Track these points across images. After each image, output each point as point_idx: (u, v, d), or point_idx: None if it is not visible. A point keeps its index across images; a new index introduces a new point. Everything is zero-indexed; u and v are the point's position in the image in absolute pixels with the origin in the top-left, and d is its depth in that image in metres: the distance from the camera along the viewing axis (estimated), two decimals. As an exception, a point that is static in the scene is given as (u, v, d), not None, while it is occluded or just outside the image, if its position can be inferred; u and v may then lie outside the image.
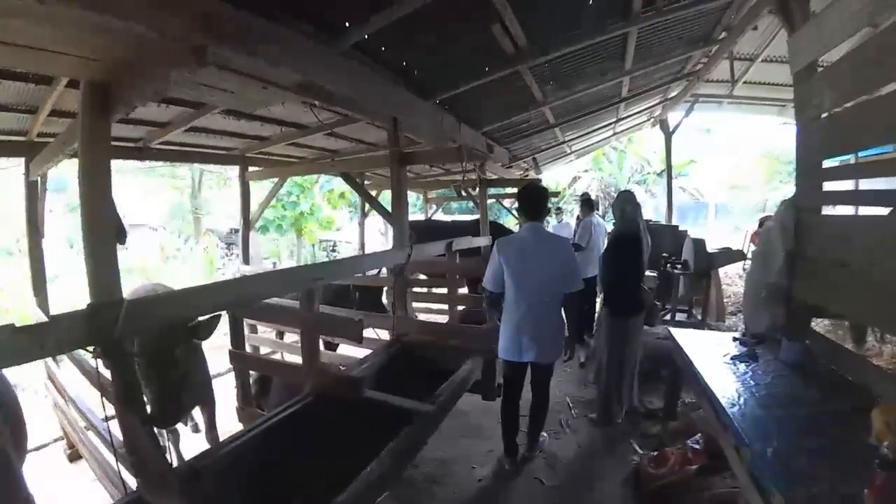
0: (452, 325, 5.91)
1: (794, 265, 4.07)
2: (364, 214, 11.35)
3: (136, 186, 20.55)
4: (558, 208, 13.70)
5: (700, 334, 4.97)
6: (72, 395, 4.41)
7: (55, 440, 5.62)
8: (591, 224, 8.36)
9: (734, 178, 26.22)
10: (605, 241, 7.27)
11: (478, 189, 8.31)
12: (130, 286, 4.53)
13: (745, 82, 9.51)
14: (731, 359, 4.00)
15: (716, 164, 27.25)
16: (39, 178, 4.79)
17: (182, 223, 21.67)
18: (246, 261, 7.93)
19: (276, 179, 7.91)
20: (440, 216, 14.42)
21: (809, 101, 3.87)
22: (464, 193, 10.80)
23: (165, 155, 6.33)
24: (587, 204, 8.78)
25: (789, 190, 18.22)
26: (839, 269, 3.46)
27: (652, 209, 26.86)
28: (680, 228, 10.27)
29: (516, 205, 5.09)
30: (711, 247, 7.95)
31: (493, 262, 4.34)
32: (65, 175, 7.71)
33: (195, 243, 18.41)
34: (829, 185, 4.04)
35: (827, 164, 4.03)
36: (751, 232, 13.51)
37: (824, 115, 3.73)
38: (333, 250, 21.19)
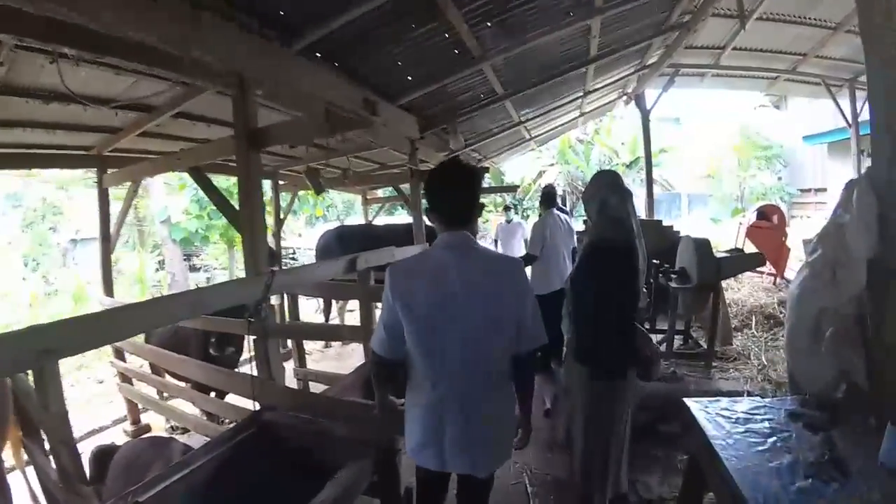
0: (336, 400, 3.81)
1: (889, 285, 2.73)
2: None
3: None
4: (507, 206, 11.81)
5: (731, 407, 3.00)
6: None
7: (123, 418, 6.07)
8: (546, 224, 6.58)
9: (707, 168, 24.61)
10: (574, 246, 6.47)
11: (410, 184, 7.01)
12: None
13: (734, 48, 8.32)
14: (807, 477, 2.13)
15: (687, 153, 25.78)
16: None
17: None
18: (108, 291, 6.07)
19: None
20: (383, 221, 12.60)
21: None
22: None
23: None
24: (545, 198, 6.92)
25: (766, 178, 16.86)
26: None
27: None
28: (664, 223, 8.49)
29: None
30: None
31: (385, 305, 2.39)
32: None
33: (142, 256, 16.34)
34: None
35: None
36: (746, 225, 11.40)
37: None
38: (293, 258, 19.17)
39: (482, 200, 2.44)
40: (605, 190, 3.20)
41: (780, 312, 7.48)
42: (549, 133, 12.41)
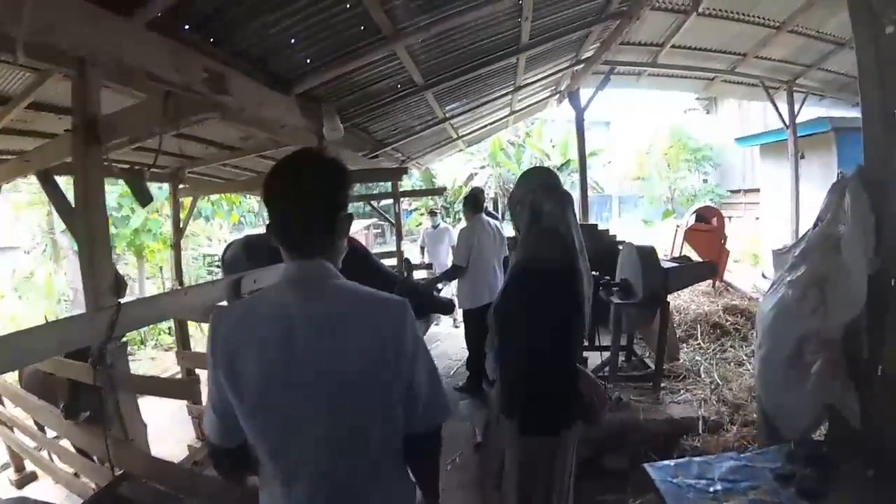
0: (198, 476, 2.98)
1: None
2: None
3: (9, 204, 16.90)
4: (432, 211, 11.03)
5: (705, 473, 2.31)
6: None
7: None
8: (473, 231, 6.01)
9: (637, 170, 24.60)
10: (506, 255, 5.98)
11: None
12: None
13: (673, 46, 7.89)
14: None
15: (617, 156, 25.88)
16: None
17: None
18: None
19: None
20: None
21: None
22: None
23: None
24: (471, 202, 6.31)
25: (696, 180, 16.95)
26: None
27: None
28: (600, 228, 7.92)
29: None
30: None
31: (209, 374, 1.57)
32: None
33: (55, 267, 14.88)
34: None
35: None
36: (684, 227, 10.95)
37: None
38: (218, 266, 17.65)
39: (348, 211, 1.64)
40: (539, 193, 2.47)
41: (726, 321, 7.12)
42: (478, 133, 11.70)
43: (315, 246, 1.56)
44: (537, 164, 25.39)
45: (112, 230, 13.27)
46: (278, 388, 1.45)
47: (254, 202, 18.48)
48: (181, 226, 7.98)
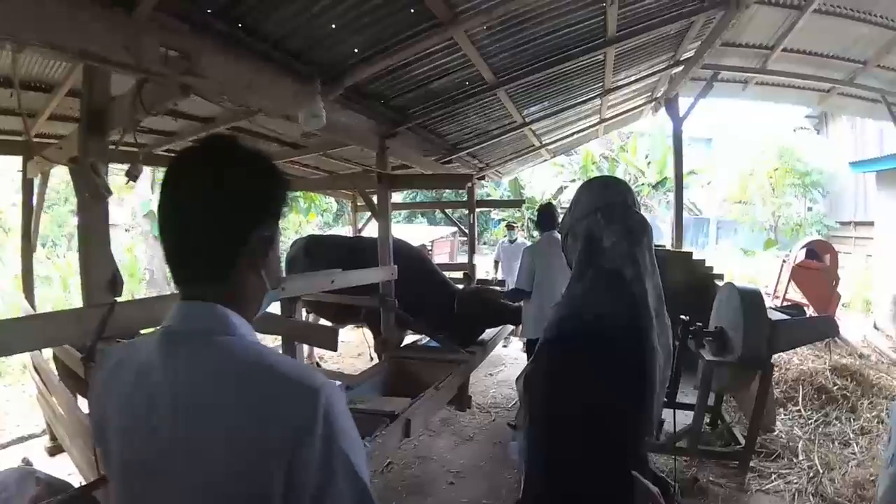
0: None
1: None
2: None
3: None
4: (509, 225, 10.27)
5: None
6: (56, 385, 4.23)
7: (42, 432, 5.51)
8: (540, 250, 5.49)
9: (738, 193, 22.77)
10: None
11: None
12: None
13: (784, 49, 6.87)
14: None
15: (718, 176, 24.04)
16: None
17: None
18: (29, 296, 5.37)
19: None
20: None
21: None
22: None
23: None
24: (542, 217, 5.84)
25: (801, 207, 15.05)
26: None
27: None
28: (695, 257, 6.99)
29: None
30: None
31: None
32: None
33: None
34: None
35: None
36: (791, 263, 9.76)
37: None
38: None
39: (273, 229, 1.10)
40: (598, 218, 1.75)
41: (834, 384, 6.00)
42: (563, 142, 10.82)
43: (205, 281, 1.04)
44: (631, 181, 24.05)
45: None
46: (136, 469, 1.01)
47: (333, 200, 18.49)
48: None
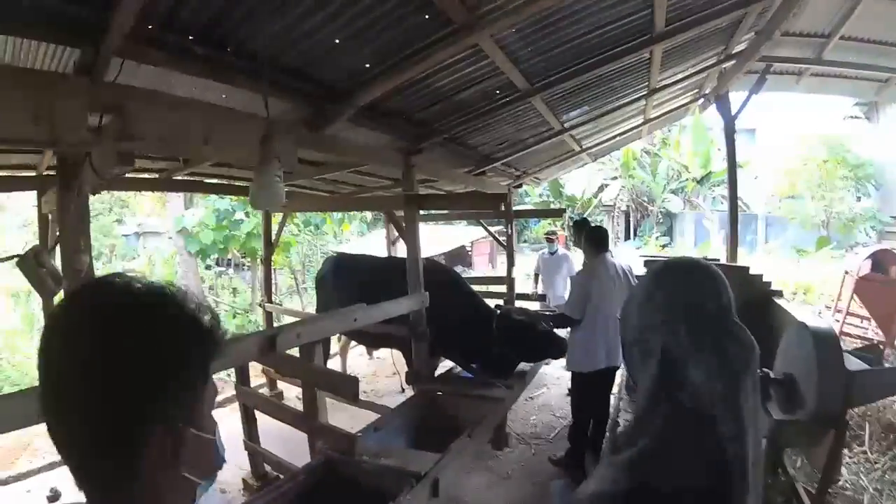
0: None
1: None
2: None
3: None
4: (549, 235, 9.34)
5: None
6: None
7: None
8: (594, 276, 4.94)
9: (787, 187, 21.57)
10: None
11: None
12: None
13: (842, 38, 6.32)
14: None
15: (764, 169, 22.87)
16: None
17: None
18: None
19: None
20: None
21: None
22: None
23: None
24: (592, 239, 5.19)
25: (853, 202, 13.82)
26: None
27: (693, 225, 23.07)
28: (752, 272, 6.32)
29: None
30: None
31: None
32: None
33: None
34: None
35: None
36: (854, 275, 8.88)
37: None
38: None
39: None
40: (679, 330, 1.22)
41: None
42: (605, 145, 10.26)
43: (100, 490, 0.77)
44: (674, 177, 23.27)
45: (226, 233, 13.74)
46: None
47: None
48: (273, 240, 7.50)
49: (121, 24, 2.06)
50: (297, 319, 5.86)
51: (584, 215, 23.59)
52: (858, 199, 19.28)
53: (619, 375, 5.29)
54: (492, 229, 9.29)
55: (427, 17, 2.88)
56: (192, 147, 3.06)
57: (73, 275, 2.37)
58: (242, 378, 4.95)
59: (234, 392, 5.07)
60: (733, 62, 6.59)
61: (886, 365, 3.93)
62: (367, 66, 3.34)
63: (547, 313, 5.98)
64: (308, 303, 13.90)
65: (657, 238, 22.72)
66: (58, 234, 2.51)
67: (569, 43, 4.01)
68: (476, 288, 6.41)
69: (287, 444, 4.65)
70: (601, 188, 24.66)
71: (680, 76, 6.70)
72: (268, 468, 4.85)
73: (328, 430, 3.81)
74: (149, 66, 2.57)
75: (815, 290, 12.16)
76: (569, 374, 5.34)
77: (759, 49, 5.76)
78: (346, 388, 3.54)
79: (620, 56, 4.50)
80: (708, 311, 1.34)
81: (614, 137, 9.76)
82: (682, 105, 9.30)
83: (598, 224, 5.77)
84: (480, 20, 2.98)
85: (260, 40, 2.76)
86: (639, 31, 4.30)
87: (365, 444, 3.71)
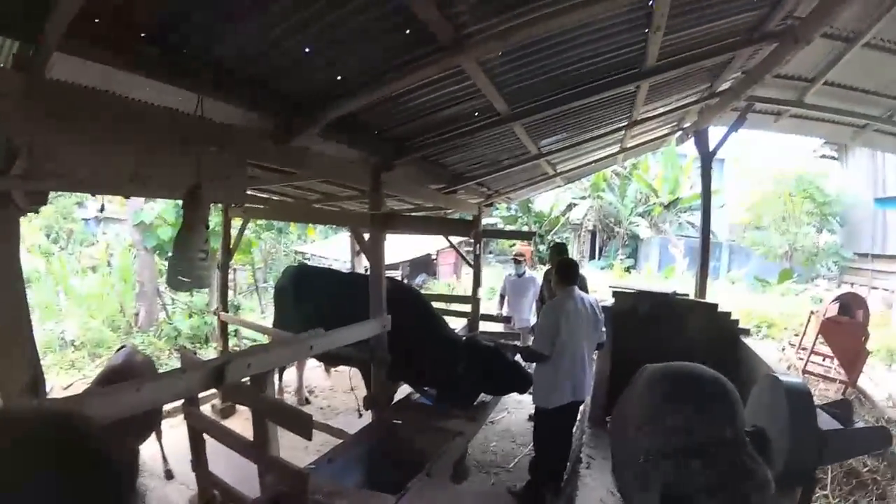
0: None
1: None
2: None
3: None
4: (516, 258, 8.85)
5: None
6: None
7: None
8: (563, 309, 4.72)
9: (752, 217, 21.75)
10: (601, 341, 5.10)
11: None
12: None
13: (825, 83, 6.31)
14: None
15: (730, 198, 23.20)
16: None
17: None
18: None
19: None
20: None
21: None
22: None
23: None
24: (564, 272, 5.03)
25: (816, 236, 13.71)
26: None
27: (658, 249, 23.22)
28: (720, 310, 6.20)
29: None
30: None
31: None
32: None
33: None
34: None
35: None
36: (821, 315, 8.84)
37: None
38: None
39: None
40: (690, 467, 1.07)
41: (864, 465, 5.27)
42: (579, 170, 10.19)
43: None
44: (642, 200, 23.48)
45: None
46: None
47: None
48: (230, 247, 7.18)
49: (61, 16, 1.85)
50: (249, 346, 5.57)
51: (554, 235, 23.68)
52: (820, 232, 19.49)
53: (583, 408, 5.16)
54: (458, 240, 9.10)
55: (408, 32, 2.67)
56: (119, 184, 2.74)
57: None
58: (191, 398, 4.66)
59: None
60: (717, 100, 6.53)
61: (857, 423, 3.82)
62: (339, 78, 3.13)
63: (512, 343, 5.82)
64: (267, 302, 13.63)
65: (622, 260, 22.80)
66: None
67: (555, 71, 3.84)
68: (439, 305, 6.22)
69: (238, 465, 4.40)
70: (569, 207, 24.66)
71: (661, 110, 6.63)
72: (215, 492, 4.57)
73: (278, 465, 3.55)
74: (96, 64, 2.32)
75: (778, 325, 12.24)
76: (530, 399, 5.19)
77: (746, 90, 5.67)
78: (299, 426, 3.31)
79: (608, 87, 4.36)
80: (722, 445, 1.17)
81: (590, 163, 9.67)
82: (661, 137, 9.26)
83: (571, 259, 5.60)
84: (467, 40, 2.78)
85: (221, 46, 2.54)
86: (629, 65, 4.17)
87: (318, 480, 3.50)
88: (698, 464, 1.06)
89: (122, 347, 5.19)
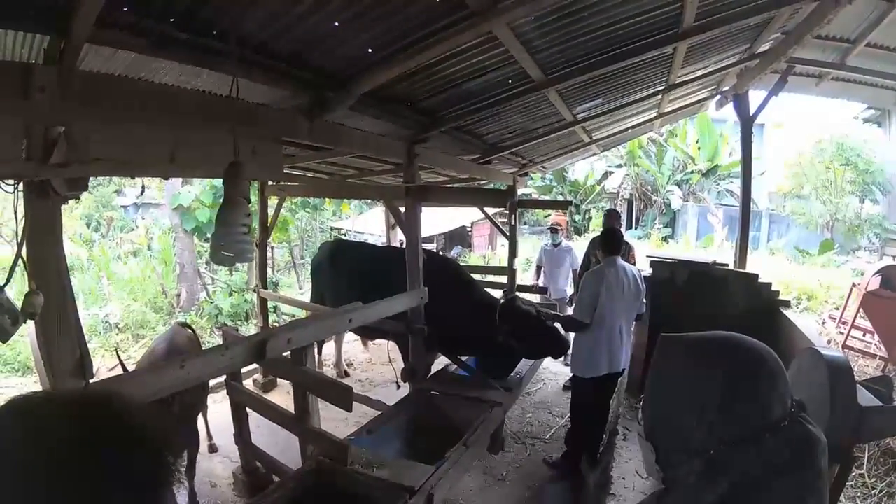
0: None
1: None
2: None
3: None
4: (553, 227, 8.83)
5: None
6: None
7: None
8: (603, 279, 4.71)
9: (792, 185, 21.07)
10: (640, 312, 5.10)
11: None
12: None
13: (867, 45, 6.08)
14: None
15: (770, 166, 22.64)
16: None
17: None
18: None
19: None
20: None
21: None
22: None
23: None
24: (607, 242, 5.01)
25: (859, 206, 13.19)
26: None
27: (696, 218, 22.60)
28: (760, 280, 6.04)
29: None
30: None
31: None
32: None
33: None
34: None
35: None
36: (862, 288, 8.32)
37: None
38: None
39: None
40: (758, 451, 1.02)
41: None
42: (615, 137, 10.03)
43: None
44: (679, 168, 22.89)
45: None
46: None
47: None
48: (269, 224, 7.22)
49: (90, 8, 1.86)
50: (289, 321, 5.64)
51: (589, 204, 23.36)
52: (862, 202, 18.89)
53: (620, 379, 5.12)
54: (493, 211, 9.00)
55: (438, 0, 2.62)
56: (160, 166, 2.78)
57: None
58: (233, 373, 4.77)
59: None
60: (757, 61, 6.31)
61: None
62: (370, 51, 3.10)
63: (549, 311, 5.79)
64: (304, 279, 13.77)
65: (659, 229, 22.28)
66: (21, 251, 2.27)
67: (590, 34, 3.74)
68: (475, 277, 6.21)
69: (279, 438, 4.52)
70: (605, 175, 24.28)
71: (700, 72, 6.44)
72: (258, 464, 4.69)
73: (319, 436, 3.65)
74: (129, 53, 2.34)
75: (818, 297, 11.87)
76: (567, 370, 5.16)
77: (786, 51, 5.49)
78: (340, 398, 3.37)
79: (644, 50, 4.23)
80: (792, 413, 1.12)
81: (626, 130, 9.51)
82: (699, 101, 9.04)
83: (614, 228, 5.51)
84: (496, 6, 2.72)
85: (248, 24, 2.53)
86: (666, 26, 4.03)
87: (357, 450, 3.54)
88: (772, 441, 1.02)
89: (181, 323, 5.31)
